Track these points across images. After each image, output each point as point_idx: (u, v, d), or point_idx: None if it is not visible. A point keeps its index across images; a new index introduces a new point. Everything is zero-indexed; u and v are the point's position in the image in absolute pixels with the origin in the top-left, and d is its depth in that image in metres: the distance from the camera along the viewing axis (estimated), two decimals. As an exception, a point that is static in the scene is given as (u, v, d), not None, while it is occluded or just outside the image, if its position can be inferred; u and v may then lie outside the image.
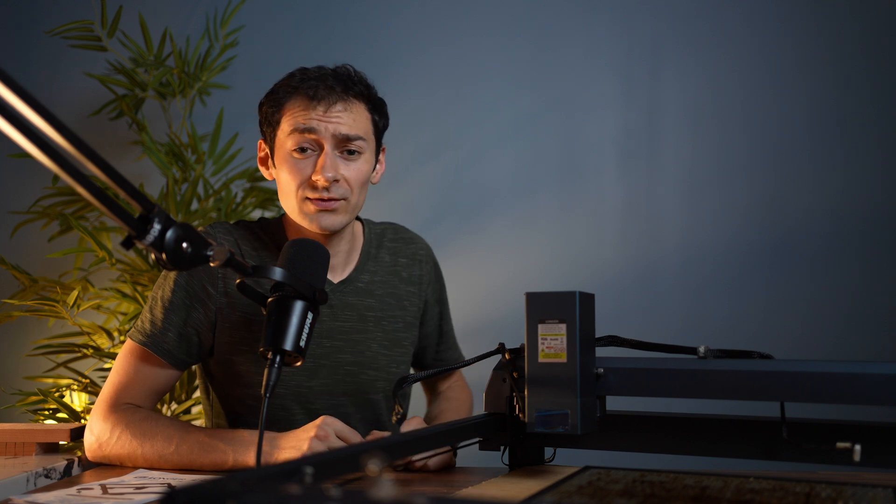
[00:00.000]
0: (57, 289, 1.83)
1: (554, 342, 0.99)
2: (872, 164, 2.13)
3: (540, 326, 0.99)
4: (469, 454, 1.19)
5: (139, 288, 1.95)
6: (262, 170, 1.36)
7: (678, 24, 2.24)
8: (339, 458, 0.78)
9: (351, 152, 1.27)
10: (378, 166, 1.37)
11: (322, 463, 0.73)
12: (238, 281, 1.04)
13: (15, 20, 2.35)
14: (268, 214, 2.19)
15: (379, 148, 1.36)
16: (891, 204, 2.11)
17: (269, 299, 1.07)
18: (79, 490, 1.02)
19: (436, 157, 2.31)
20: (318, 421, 1.15)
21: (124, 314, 1.95)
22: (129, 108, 2.04)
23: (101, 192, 0.78)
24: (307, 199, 1.26)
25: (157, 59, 2.03)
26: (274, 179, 1.33)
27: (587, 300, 1.01)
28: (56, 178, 1.99)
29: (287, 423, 1.31)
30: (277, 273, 1.01)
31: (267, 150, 1.34)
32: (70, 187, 1.79)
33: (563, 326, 0.98)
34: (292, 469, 0.68)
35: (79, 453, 1.33)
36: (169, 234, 0.83)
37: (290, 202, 1.29)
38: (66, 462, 1.24)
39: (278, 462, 0.86)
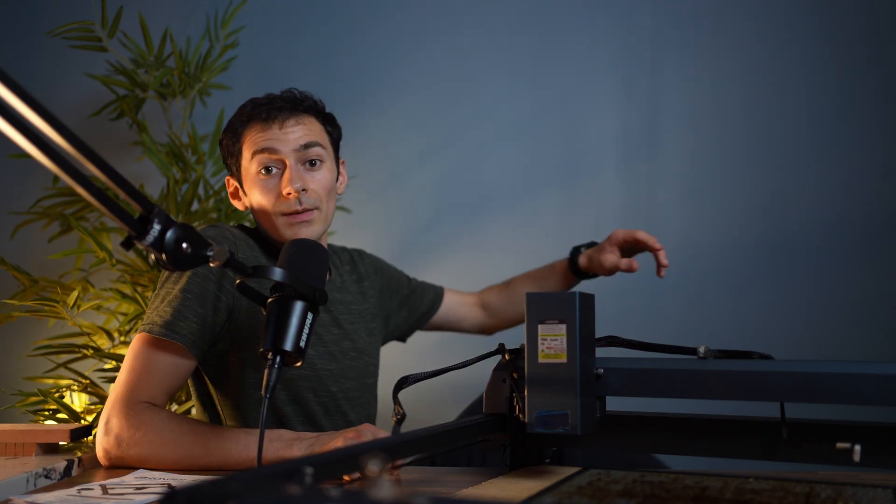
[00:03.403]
0: (57, 289, 1.83)
1: (554, 342, 0.99)
2: (875, 163, 2.13)
3: (540, 327, 1.00)
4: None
5: (139, 288, 1.94)
6: (235, 202, 1.44)
7: (679, 22, 2.24)
8: (339, 458, 0.78)
9: (312, 162, 1.36)
10: (340, 178, 1.46)
11: (322, 463, 0.74)
12: (238, 281, 1.04)
13: (15, 20, 2.35)
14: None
15: (338, 159, 1.45)
16: (893, 205, 2.11)
17: (269, 300, 1.07)
18: (79, 490, 1.02)
19: (436, 156, 2.31)
20: (361, 427, 1.16)
21: (124, 315, 1.95)
22: (129, 109, 2.03)
23: (102, 193, 0.78)
24: (282, 215, 1.34)
25: (157, 59, 2.03)
26: (248, 209, 1.40)
27: (587, 300, 1.01)
28: (56, 178, 1.99)
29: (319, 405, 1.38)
30: (277, 273, 1.01)
31: (235, 184, 1.42)
32: (70, 188, 1.79)
33: (563, 327, 0.98)
34: (292, 469, 0.68)
35: (79, 454, 1.33)
36: (169, 234, 0.83)
37: (268, 222, 1.36)
38: (66, 462, 1.24)
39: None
